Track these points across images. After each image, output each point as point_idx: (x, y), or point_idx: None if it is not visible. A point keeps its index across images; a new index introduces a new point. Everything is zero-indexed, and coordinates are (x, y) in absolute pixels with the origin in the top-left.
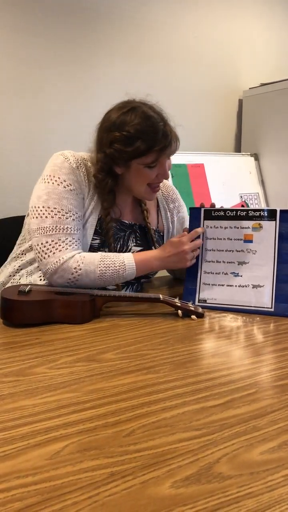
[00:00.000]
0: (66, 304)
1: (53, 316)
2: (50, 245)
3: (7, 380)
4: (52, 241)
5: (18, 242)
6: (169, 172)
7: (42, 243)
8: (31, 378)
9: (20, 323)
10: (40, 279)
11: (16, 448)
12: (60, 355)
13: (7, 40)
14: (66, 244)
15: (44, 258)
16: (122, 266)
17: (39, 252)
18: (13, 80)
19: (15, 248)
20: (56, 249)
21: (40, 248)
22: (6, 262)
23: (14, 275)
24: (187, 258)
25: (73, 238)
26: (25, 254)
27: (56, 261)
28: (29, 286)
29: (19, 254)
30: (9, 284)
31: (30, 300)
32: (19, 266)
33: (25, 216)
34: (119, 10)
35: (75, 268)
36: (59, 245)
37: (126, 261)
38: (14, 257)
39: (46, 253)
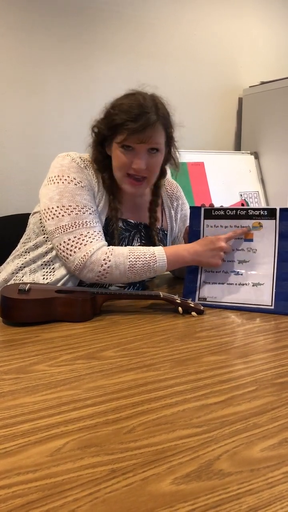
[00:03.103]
0: (67, 302)
1: (53, 314)
2: (73, 241)
3: (7, 378)
4: (75, 237)
5: (22, 240)
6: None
7: (64, 241)
8: (32, 375)
9: (20, 321)
10: (43, 278)
11: (17, 445)
12: (60, 352)
13: (7, 39)
14: (89, 237)
15: (71, 255)
16: (152, 257)
17: (63, 251)
18: (13, 78)
19: (18, 246)
20: (81, 244)
21: (63, 247)
22: (8, 259)
23: (17, 273)
24: (221, 255)
25: (95, 231)
26: (28, 253)
27: (84, 255)
28: (29, 284)
29: (22, 252)
30: (11, 282)
31: (30, 298)
32: (22, 264)
33: (28, 214)
34: (119, 8)
35: (104, 260)
36: (83, 240)
37: (157, 252)
38: (18, 255)
39: (71, 250)
